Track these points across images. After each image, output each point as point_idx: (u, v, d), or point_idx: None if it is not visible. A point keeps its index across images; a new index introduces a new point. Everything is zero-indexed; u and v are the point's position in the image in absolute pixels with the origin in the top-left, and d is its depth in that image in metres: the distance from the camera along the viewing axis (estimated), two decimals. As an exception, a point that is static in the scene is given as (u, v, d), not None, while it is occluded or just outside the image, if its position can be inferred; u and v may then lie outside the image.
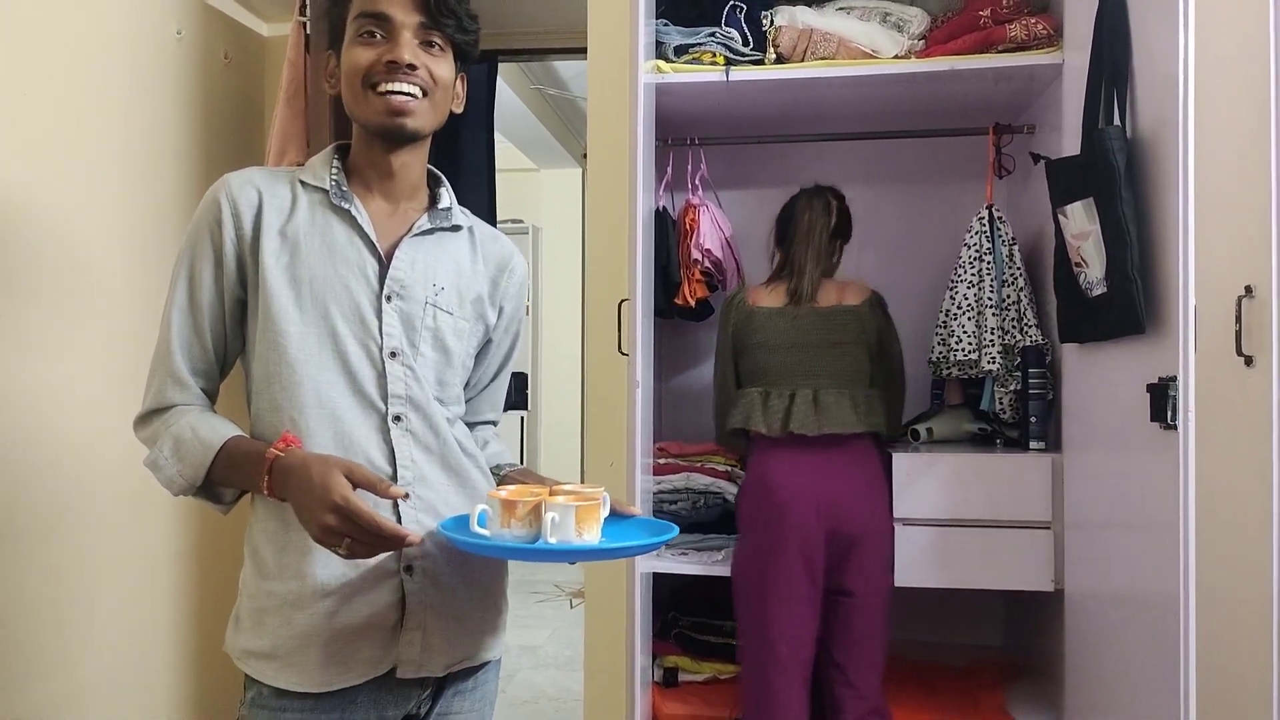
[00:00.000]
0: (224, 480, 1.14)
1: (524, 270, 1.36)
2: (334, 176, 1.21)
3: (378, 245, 1.19)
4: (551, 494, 1.12)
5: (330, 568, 1.11)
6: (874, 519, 2.10)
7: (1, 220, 1.91)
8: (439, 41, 1.18)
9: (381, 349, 1.16)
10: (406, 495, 1.11)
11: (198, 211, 1.18)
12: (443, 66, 1.19)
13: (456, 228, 1.28)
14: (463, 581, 1.20)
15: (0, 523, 1.91)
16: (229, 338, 1.19)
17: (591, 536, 1.07)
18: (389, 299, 1.18)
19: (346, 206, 1.19)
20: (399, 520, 1.15)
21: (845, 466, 2.10)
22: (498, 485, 1.28)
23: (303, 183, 1.20)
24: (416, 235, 1.22)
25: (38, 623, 1.99)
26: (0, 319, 1.91)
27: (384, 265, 1.19)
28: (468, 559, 1.20)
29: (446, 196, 1.29)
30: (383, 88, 1.15)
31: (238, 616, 1.17)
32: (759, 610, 2.07)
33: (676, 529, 1.15)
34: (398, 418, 1.17)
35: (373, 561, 1.12)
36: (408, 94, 1.15)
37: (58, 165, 2.06)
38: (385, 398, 1.16)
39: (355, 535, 0.99)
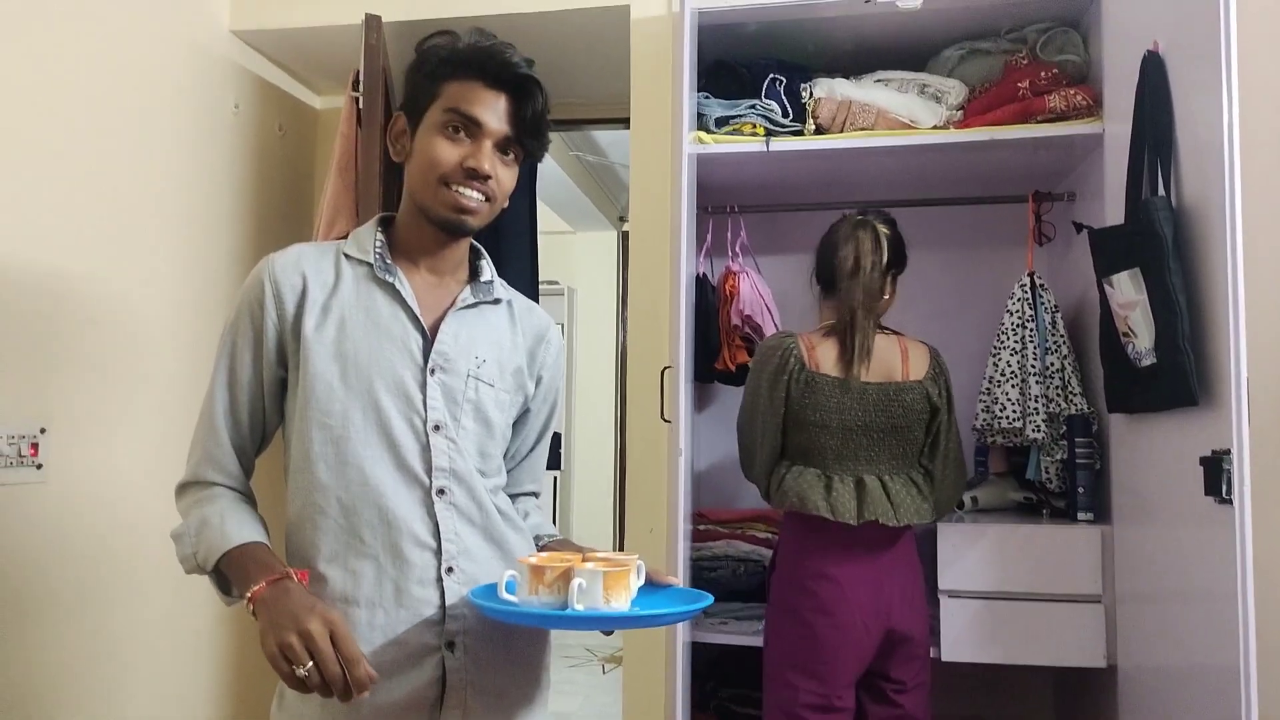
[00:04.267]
0: (229, 575, 1.12)
1: (560, 341, 1.37)
2: (378, 249, 1.22)
3: (421, 319, 1.20)
4: (585, 561, 1.11)
5: (370, 644, 1.11)
6: (923, 613, 2.00)
7: (62, 291, 1.97)
8: (515, 152, 1.22)
9: (425, 422, 1.17)
10: (368, 691, 1.02)
11: (242, 290, 1.20)
12: (511, 175, 1.22)
13: (497, 300, 1.29)
14: (505, 657, 1.19)
15: (45, 585, 1.93)
16: (267, 414, 1.20)
17: (620, 604, 1.05)
18: (433, 372, 1.18)
19: (390, 280, 1.20)
20: (443, 593, 1.15)
21: (898, 560, 1.96)
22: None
23: (346, 255, 1.22)
24: (461, 309, 1.23)
25: (78, 687, 2.00)
26: (58, 386, 1.95)
27: (427, 339, 1.19)
28: (510, 633, 1.19)
29: (488, 270, 1.30)
30: (456, 188, 1.17)
31: (281, 693, 1.16)
32: (797, 697, 1.91)
33: (710, 598, 1.14)
34: (441, 491, 1.17)
35: (414, 639, 1.13)
36: (477, 199, 1.18)
37: (118, 236, 2.13)
38: (429, 471, 1.16)
39: (326, 660, 0.96)
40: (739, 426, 2.09)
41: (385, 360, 1.16)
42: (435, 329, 1.20)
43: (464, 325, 1.23)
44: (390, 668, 1.11)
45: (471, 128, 1.17)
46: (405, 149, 1.23)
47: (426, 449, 1.16)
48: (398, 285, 1.20)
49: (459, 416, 1.19)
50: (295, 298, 1.17)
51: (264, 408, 1.20)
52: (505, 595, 1.06)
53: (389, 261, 1.21)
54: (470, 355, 1.22)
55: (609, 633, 1.20)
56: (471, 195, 1.18)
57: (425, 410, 1.17)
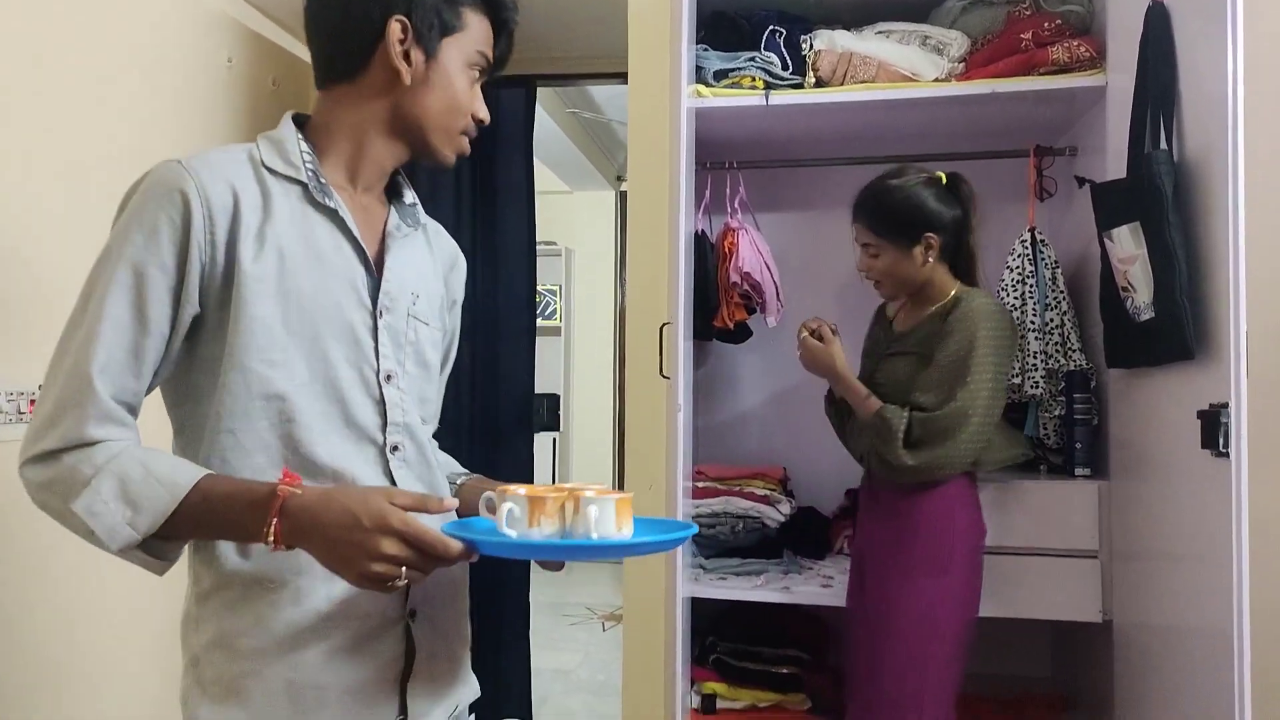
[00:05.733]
0: (186, 530, 0.94)
1: (464, 263, 1.26)
2: (309, 166, 1.04)
3: (368, 253, 1.06)
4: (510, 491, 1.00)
5: (330, 619, 0.99)
6: None
7: (56, 247, 1.95)
8: None
9: (378, 373, 1.04)
10: (457, 505, 0.98)
11: (144, 202, 0.97)
12: None
13: (422, 226, 1.17)
14: (454, 620, 1.12)
15: (40, 541, 1.94)
16: (164, 359, 0.99)
17: (628, 531, 0.99)
18: (380, 314, 1.06)
19: (332, 206, 1.04)
20: None
21: None
22: (455, 495, 1.17)
23: (270, 170, 1.03)
24: (399, 240, 1.11)
25: (76, 646, 2.01)
26: (55, 343, 1.94)
27: (373, 275, 1.07)
28: (458, 595, 1.12)
29: (410, 191, 1.17)
30: (464, 136, 1.11)
31: (208, 690, 0.99)
32: (961, 652, 1.92)
33: (695, 526, 1.12)
34: (395, 447, 1.05)
35: (376, 610, 1.02)
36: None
37: (110, 192, 2.10)
38: (384, 427, 1.05)
39: (415, 561, 0.89)
40: (987, 394, 1.82)
41: (332, 302, 1.02)
42: (378, 263, 1.08)
43: (400, 258, 1.10)
44: (354, 644, 1.01)
45: (484, 73, 1.12)
46: (420, 70, 1.06)
47: (380, 403, 1.04)
48: (341, 213, 1.05)
49: (403, 362, 1.08)
50: (227, 220, 0.98)
51: (169, 355, 0.99)
52: (505, 529, 0.96)
53: (324, 181, 1.05)
54: (407, 292, 1.09)
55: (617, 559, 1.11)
56: (468, 144, 1.13)
57: (377, 359, 1.04)
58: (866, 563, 1.98)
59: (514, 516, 0.96)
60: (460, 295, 1.25)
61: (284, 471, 0.95)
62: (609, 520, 0.97)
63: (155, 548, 0.95)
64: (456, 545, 0.91)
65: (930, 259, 1.92)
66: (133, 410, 0.98)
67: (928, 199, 1.92)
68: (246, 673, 0.98)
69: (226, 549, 0.99)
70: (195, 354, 1.00)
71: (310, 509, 0.90)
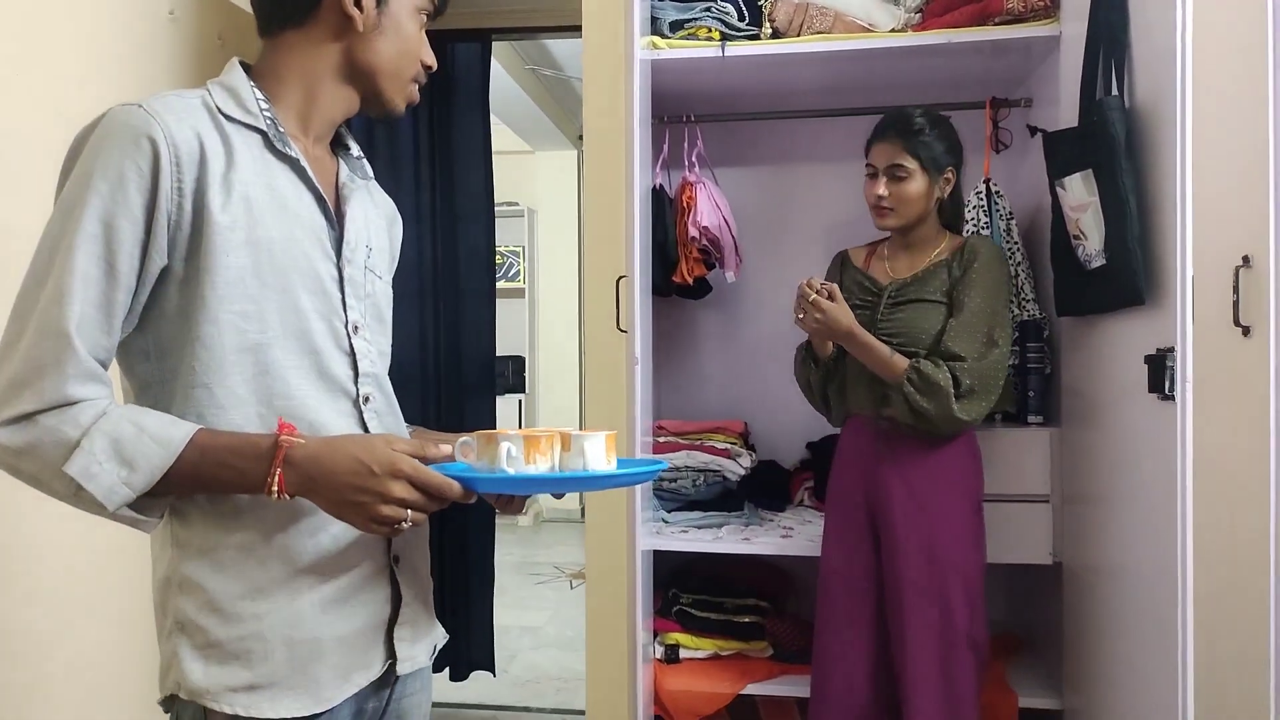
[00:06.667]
0: (181, 486, 0.93)
1: (400, 219, 1.26)
2: (266, 114, 1.03)
3: (328, 202, 1.06)
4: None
5: (320, 574, 1.01)
6: None
7: (-5, 203, 1.90)
8: None
9: (346, 324, 1.05)
10: (450, 452, 1.00)
11: (107, 148, 0.92)
12: None
13: (368, 178, 1.17)
14: (424, 564, 1.15)
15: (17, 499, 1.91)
16: (129, 316, 0.96)
17: (612, 465, 1.05)
18: (344, 266, 1.06)
19: (293, 155, 1.03)
20: None
21: None
22: None
23: (226, 116, 1.00)
24: (356, 191, 1.11)
25: (64, 593, 1.99)
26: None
27: (334, 226, 1.07)
28: (425, 540, 1.14)
29: (354, 144, 1.17)
30: (415, 84, 1.12)
31: (204, 653, 0.97)
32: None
33: (666, 461, 1.18)
34: (367, 399, 1.07)
35: (366, 560, 1.04)
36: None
37: (48, 150, 2.04)
38: (355, 379, 1.05)
39: (423, 504, 0.94)
40: (1010, 339, 1.92)
41: (301, 252, 1.01)
42: (339, 214, 1.08)
43: (355, 210, 1.10)
44: (346, 594, 1.02)
45: (430, 18, 1.11)
46: (372, 15, 1.05)
47: (350, 354, 1.05)
48: (302, 162, 1.04)
49: (364, 314, 1.08)
50: (195, 167, 0.95)
51: (135, 308, 0.96)
52: (505, 466, 1.00)
53: (282, 130, 1.03)
54: (363, 245, 1.09)
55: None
56: (417, 92, 1.14)
57: (345, 311, 1.05)
58: (884, 513, 1.93)
59: (511, 455, 1.00)
60: (398, 251, 1.24)
61: (279, 422, 0.95)
62: (600, 455, 1.03)
63: (144, 505, 0.94)
64: (458, 486, 0.95)
65: (946, 193, 1.96)
66: (106, 367, 0.95)
67: (956, 135, 1.97)
68: (246, 634, 0.97)
69: (209, 511, 0.98)
70: (160, 308, 0.97)
71: (317, 458, 0.92)
